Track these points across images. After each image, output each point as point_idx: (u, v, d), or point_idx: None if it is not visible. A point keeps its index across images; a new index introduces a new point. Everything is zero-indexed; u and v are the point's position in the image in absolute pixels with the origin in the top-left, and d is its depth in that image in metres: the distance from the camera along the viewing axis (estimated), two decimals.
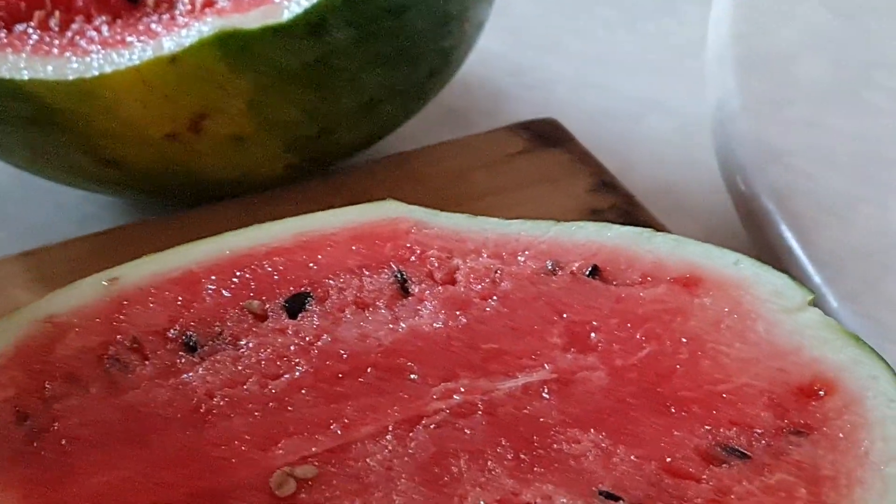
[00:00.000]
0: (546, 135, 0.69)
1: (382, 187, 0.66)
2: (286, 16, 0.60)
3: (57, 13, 0.64)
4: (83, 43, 0.62)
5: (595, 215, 0.63)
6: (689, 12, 0.84)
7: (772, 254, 0.65)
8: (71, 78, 0.60)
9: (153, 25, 0.62)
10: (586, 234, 0.53)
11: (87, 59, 0.61)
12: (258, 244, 0.52)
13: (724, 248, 0.52)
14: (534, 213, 0.57)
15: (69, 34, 0.63)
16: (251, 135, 0.64)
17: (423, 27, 0.65)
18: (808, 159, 0.69)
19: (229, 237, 0.53)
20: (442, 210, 0.55)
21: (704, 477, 0.43)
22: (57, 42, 0.63)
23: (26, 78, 0.60)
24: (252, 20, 0.60)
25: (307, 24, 0.60)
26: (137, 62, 0.60)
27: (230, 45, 0.60)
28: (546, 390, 0.46)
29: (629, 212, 0.64)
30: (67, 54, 0.62)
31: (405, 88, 0.68)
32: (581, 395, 0.46)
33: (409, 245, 0.52)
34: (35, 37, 0.63)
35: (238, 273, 0.51)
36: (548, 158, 0.68)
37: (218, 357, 0.48)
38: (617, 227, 0.53)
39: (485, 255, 0.52)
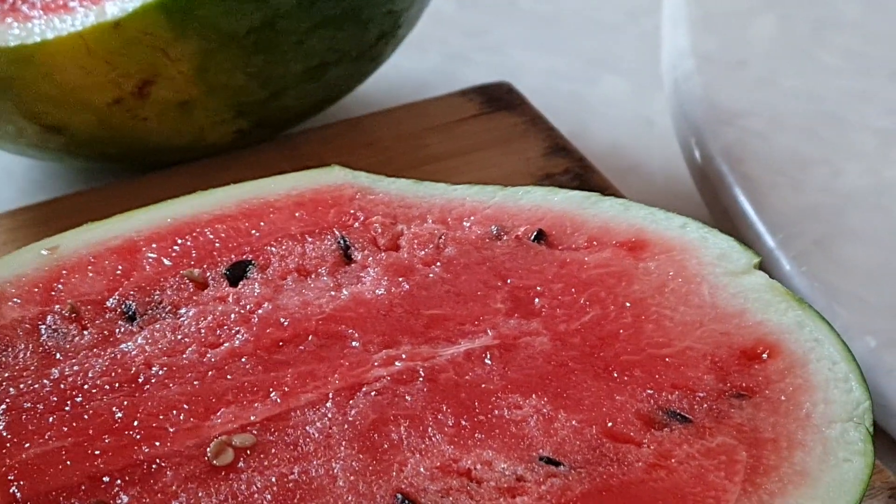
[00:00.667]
0: (499, 98, 0.69)
1: (335, 152, 0.66)
2: None
3: None
4: (25, 8, 0.62)
5: (549, 179, 0.64)
6: None
7: (725, 216, 0.66)
8: (12, 44, 0.60)
9: None
10: (533, 198, 0.53)
11: (29, 24, 0.61)
12: (200, 211, 0.52)
13: (675, 211, 0.52)
14: (487, 178, 0.58)
15: (10, 0, 0.62)
16: (198, 100, 0.64)
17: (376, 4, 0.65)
18: (760, 120, 0.69)
19: (171, 205, 0.53)
20: (396, 175, 0.55)
21: (645, 441, 0.43)
22: None
23: None
24: None
25: None
26: (80, 28, 0.59)
27: (174, 9, 0.59)
28: (488, 356, 0.46)
29: (582, 175, 0.64)
30: (8, 20, 0.61)
31: (355, 51, 0.67)
32: (523, 360, 0.46)
33: (352, 211, 0.52)
34: None
35: (179, 241, 0.51)
36: (501, 122, 0.68)
37: (157, 326, 0.48)
38: (564, 191, 0.53)
39: (430, 221, 0.52)
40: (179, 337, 0.47)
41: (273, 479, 0.42)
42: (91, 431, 0.43)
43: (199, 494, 0.41)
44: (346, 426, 0.43)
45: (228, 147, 0.68)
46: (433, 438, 0.43)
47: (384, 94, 0.75)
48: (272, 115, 0.68)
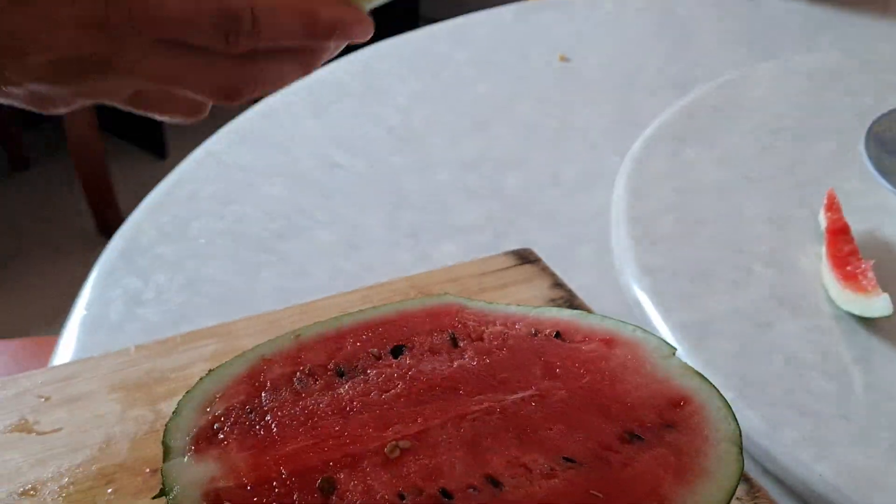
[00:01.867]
0: (525, 257, 0.69)
1: (438, 286, 0.66)
2: None
3: None
4: None
5: (553, 302, 0.63)
6: (598, 195, 0.84)
7: (647, 324, 0.65)
8: None
9: None
10: (552, 313, 0.53)
11: None
12: (374, 318, 0.52)
13: (627, 321, 0.52)
14: (519, 301, 0.58)
15: None
16: None
17: None
18: (665, 273, 0.69)
19: (360, 313, 0.53)
20: (472, 298, 0.55)
21: (620, 451, 0.43)
22: None
23: None
24: None
25: None
26: None
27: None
28: (533, 402, 0.46)
29: (571, 301, 0.64)
30: None
31: None
32: (552, 404, 0.46)
33: (457, 319, 0.52)
34: None
35: (364, 334, 0.51)
36: (526, 270, 0.68)
37: (356, 380, 0.48)
38: (568, 310, 0.53)
39: (497, 324, 0.52)
40: (368, 386, 0.47)
41: (421, 465, 0.42)
42: (322, 438, 0.43)
43: (381, 473, 0.41)
44: (458, 438, 0.43)
45: None
46: (506, 445, 0.43)
47: (463, 256, 0.74)
48: None
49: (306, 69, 0.45)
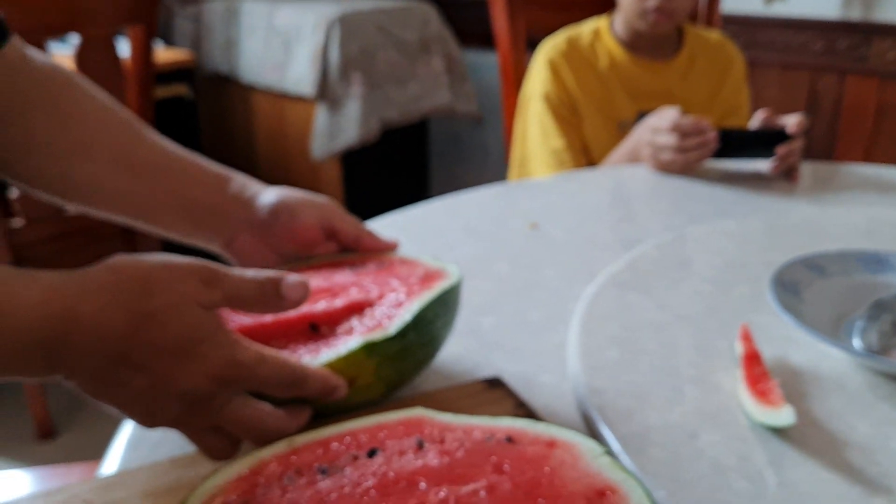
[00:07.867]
0: (494, 383, 0.71)
1: (414, 403, 0.66)
2: (390, 331, 0.63)
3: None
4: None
5: (517, 416, 0.65)
6: (558, 333, 0.86)
7: (597, 436, 0.66)
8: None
9: (330, 341, 0.63)
10: (505, 422, 0.55)
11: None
12: (357, 427, 0.55)
13: (571, 429, 0.54)
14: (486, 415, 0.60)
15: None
16: (374, 384, 0.64)
17: (440, 336, 0.69)
18: (609, 394, 0.71)
19: (344, 423, 0.55)
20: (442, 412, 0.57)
21: None
22: None
23: None
24: (377, 336, 0.62)
25: (399, 335, 0.64)
26: (323, 360, 0.61)
27: (368, 346, 0.61)
28: (483, 491, 0.48)
29: (531, 415, 0.65)
30: None
31: (428, 361, 0.71)
32: (500, 494, 0.48)
33: (425, 427, 0.55)
34: None
35: (347, 438, 0.53)
36: (494, 393, 0.69)
37: (335, 476, 0.50)
38: (519, 419, 0.55)
39: (458, 431, 0.54)
40: (345, 481, 0.49)
41: None
42: None
43: None
44: None
45: (375, 401, 0.69)
46: None
47: (445, 383, 0.76)
48: (392, 390, 0.69)
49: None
